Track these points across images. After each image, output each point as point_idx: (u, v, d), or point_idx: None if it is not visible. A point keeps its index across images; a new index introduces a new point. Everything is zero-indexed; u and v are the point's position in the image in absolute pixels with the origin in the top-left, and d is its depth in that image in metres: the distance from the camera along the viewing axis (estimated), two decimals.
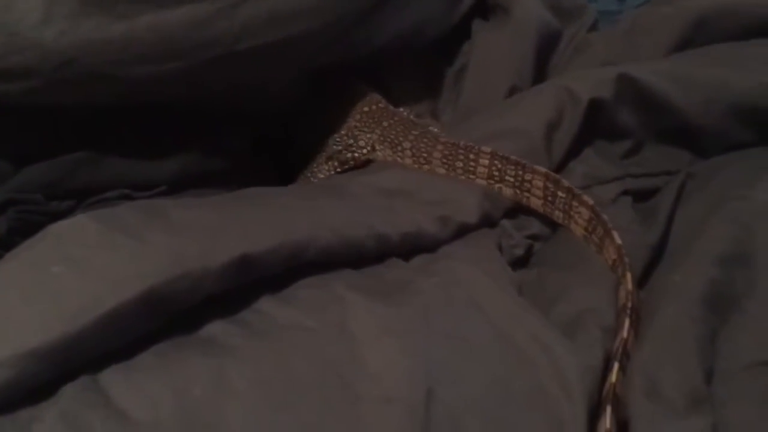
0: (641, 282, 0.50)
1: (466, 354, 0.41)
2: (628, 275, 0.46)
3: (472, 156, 0.56)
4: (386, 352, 0.39)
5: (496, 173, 0.56)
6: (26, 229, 0.47)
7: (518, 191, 0.56)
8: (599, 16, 0.79)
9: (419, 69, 0.74)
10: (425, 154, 0.58)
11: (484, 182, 0.57)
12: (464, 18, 0.73)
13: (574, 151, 0.60)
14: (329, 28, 0.57)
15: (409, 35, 0.67)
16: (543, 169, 0.54)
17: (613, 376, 0.40)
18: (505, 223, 0.56)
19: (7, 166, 0.50)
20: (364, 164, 0.63)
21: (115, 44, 0.49)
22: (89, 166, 0.53)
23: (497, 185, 0.56)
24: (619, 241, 0.49)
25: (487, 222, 0.55)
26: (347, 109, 0.64)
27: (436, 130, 0.64)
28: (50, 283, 0.36)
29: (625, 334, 0.43)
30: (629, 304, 0.44)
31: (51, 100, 0.50)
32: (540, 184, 0.55)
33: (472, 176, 0.57)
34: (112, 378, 0.35)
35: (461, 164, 0.57)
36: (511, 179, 0.56)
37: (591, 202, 0.52)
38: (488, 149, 0.56)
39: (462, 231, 0.53)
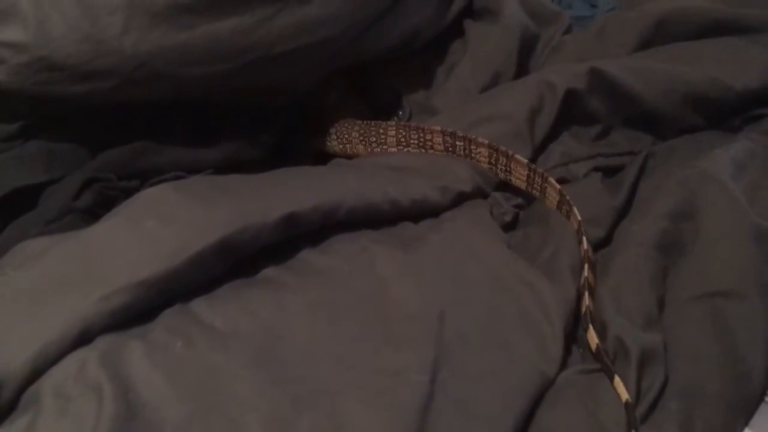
0: (608, 237, 0.61)
1: (468, 289, 0.52)
2: (575, 209, 0.59)
3: (381, 130, 0.70)
4: (407, 285, 0.50)
5: (403, 140, 0.70)
6: (105, 202, 0.58)
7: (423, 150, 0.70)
8: (574, 20, 0.90)
9: (415, 65, 0.84)
10: (346, 135, 0.73)
11: (394, 149, 0.70)
12: (453, 22, 0.84)
13: (552, 134, 0.71)
14: (346, 34, 0.68)
15: (408, 38, 0.78)
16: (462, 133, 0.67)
17: (586, 300, 0.52)
18: (496, 194, 0.67)
19: (86, 151, 0.61)
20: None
21: (179, 50, 0.60)
22: (150, 153, 0.64)
23: (405, 149, 0.70)
24: (557, 185, 0.61)
25: (480, 193, 0.66)
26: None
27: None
28: (147, 233, 0.46)
29: (586, 273, 0.54)
30: (584, 244, 0.56)
31: (125, 96, 0.61)
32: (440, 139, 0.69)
33: (384, 146, 0.71)
34: (199, 305, 0.46)
35: (374, 138, 0.71)
36: (415, 142, 0.69)
37: (525, 160, 0.64)
38: (393, 123, 0.70)
39: (459, 199, 0.64)
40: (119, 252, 0.45)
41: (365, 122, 0.72)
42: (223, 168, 0.67)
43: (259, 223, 0.49)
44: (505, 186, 0.68)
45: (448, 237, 0.56)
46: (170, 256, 0.45)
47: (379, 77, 0.84)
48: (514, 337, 0.49)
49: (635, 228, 0.57)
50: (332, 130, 0.74)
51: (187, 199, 0.49)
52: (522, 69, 0.80)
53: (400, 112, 0.79)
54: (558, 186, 0.62)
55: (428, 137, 0.68)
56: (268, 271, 0.50)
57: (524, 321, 0.50)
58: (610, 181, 0.69)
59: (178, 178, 0.64)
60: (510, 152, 0.65)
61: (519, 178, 0.66)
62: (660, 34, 0.79)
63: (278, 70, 0.66)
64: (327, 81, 0.78)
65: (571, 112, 0.71)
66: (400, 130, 0.69)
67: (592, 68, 0.70)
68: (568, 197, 0.61)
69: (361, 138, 0.71)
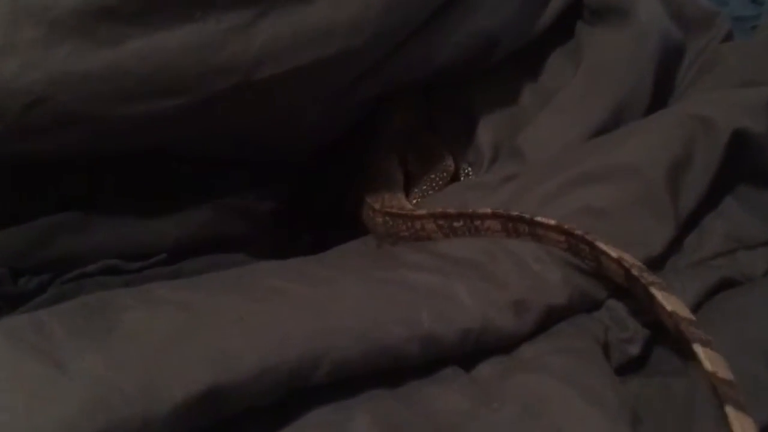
0: None
1: None
2: (658, 296, 0.35)
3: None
4: None
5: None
6: None
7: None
8: (732, 23, 0.62)
9: (497, 88, 0.59)
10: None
11: None
12: (554, 25, 0.58)
13: (710, 200, 0.44)
14: (376, 45, 0.44)
15: (482, 49, 0.52)
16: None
17: None
18: (614, 304, 0.40)
19: None
20: None
21: (97, 77, 0.38)
22: (69, 232, 0.42)
23: None
24: (614, 253, 0.37)
25: (584, 303, 0.40)
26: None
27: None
28: None
29: None
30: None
31: (18, 149, 0.40)
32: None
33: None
34: None
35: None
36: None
37: (553, 222, 0.40)
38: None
39: (547, 318, 0.38)
40: None
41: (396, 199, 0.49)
42: (185, 251, 0.44)
43: (139, 418, 0.25)
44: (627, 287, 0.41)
45: (519, 415, 0.31)
46: None
47: (449, 102, 0.60)
48: None
49: None
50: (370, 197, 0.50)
51: (20, 358, 0.26)
52: (659, 98, 0.53)
53: (468, 170, 0.54)
54: (614, 253, 0.37)
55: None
56: None
57: None
58: None
59: (111, 269, 0.42)
60: (529, 216, 0.41)
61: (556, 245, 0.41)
62: None
63: (268, 104, 0.43)
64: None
65: (741, 166, 0.44)
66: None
67: None
68: (635, 270, 0.36)
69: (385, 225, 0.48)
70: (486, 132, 0.56)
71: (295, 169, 0.50)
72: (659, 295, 0.36)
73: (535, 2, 0.55)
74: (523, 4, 0.54)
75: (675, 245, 0.43)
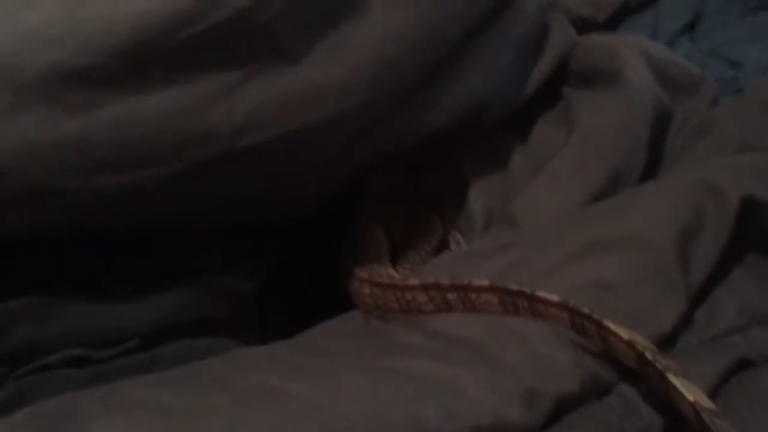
0: None
1: None
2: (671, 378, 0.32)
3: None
4: None
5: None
6: None
7: None
8: None
9: (488, 151, 0.57)
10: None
11: None
12: (543, 89, 0.57)
13: (720, 272, 0.42)
14: (368, 108, 0.42)
15: (472, 112, 0.50)
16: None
17: None
18: (626, 389, 0.37)
19: None
20: None
21: (67, 147, 0.35)
22: (30, 318, 0.38)
23: None
24: (625, 335, 0.35)
25: (595, 389, 0.37)
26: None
27: None
28: None
29: None
30: None
31: None
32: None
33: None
34: None
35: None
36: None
37: (556, 298, 0.37)
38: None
39: (559, 410, 0.35)
40: None
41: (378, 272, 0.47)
42: (159, 336, 0.40)
43: None
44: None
45: None
46: None
47: (438, 167, 0.57)
48: None
49: None
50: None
51: None
52: (651, 163, 0.52)
53: (458, 237, 0.52)
54: (625, 334, 0.35)
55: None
56: None
57: None
58: None
59: (76, 360, 0.38)
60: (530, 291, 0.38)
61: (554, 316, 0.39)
62: None
63: (251, 173, 0.40)
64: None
65: (753, 235, 0.42)
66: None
67: None
68: (649, 354, 0.34)
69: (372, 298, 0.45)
70: (477, 197, 0.53)
71: (275, 241, 0.47)
72: (678, 382, 0.33)
73: (523, 66, 0.54)
74: (513, 67, 0.52)
75: (686, 320, 0.41)
